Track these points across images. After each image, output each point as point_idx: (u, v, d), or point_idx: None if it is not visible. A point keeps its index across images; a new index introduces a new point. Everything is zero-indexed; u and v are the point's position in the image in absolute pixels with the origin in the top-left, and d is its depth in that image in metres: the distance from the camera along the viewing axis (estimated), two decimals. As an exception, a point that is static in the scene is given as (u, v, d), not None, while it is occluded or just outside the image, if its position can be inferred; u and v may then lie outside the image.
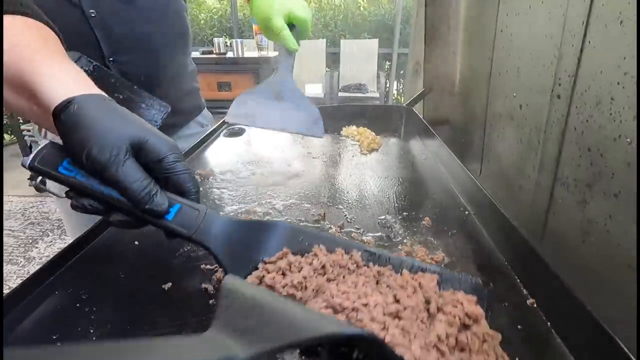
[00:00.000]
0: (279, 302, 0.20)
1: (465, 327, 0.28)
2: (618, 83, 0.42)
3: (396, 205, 0.56)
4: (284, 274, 0.31)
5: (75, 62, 0.38)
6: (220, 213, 0.49)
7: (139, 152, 0.30)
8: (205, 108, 0.86)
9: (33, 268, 1.67)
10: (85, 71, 0.38)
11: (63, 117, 0.29)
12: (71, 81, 0.31)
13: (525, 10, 0.63)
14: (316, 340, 0.17)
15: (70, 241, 0.44)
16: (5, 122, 3.30)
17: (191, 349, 0.17)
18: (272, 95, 0.61)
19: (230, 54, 2.53)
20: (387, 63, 4.17)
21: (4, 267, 1.67)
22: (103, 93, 0.32)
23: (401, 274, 0.32)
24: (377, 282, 0.31)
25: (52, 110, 0.29)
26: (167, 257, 0.43)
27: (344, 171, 0.69)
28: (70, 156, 0.30)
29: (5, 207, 2.24)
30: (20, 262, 1.72)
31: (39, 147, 0.30)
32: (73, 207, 0.30)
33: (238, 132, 0.89)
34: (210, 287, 0.38)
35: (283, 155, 0.77)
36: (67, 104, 0.29)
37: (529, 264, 0.40)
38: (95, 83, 0.32)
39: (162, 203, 0.29)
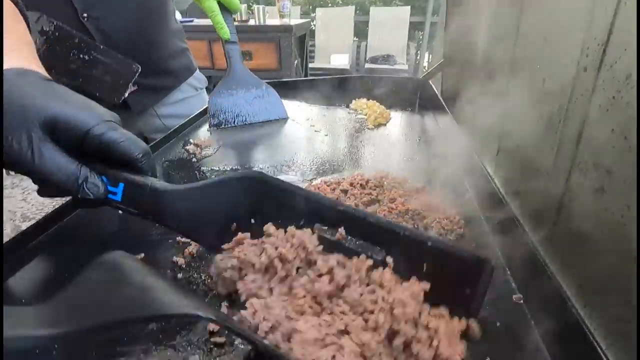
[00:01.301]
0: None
1: None
2: (652, 52, 0.36)
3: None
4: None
5: (35, 22, 0.36)
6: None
7: (58, 132, 0.25)
8: (198, 70, 0.83)
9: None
10: (45, 32, 0.37)
11: None
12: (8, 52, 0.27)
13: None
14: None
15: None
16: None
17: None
18: (235, 89, 0.72)
19: (252, 22, 2.47)
20: (420, 33, 3.94)
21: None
22: (22, 67, 0.26)
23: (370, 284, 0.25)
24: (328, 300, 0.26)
25: None
26: (147, 228, 0.43)
27: (345, 145, 0.66)
28: None
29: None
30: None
31: None
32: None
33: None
34: (180, 261, 0.37)
35: (285, 128, 0.75)
36: None
37: (522, 257, 0.36)
38: (57, 44, 0.30)
39: (95, 188, 0.26)
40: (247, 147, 0.67)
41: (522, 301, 0.33)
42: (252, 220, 0.27)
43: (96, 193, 0.26)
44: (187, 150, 0.63)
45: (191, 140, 0.66)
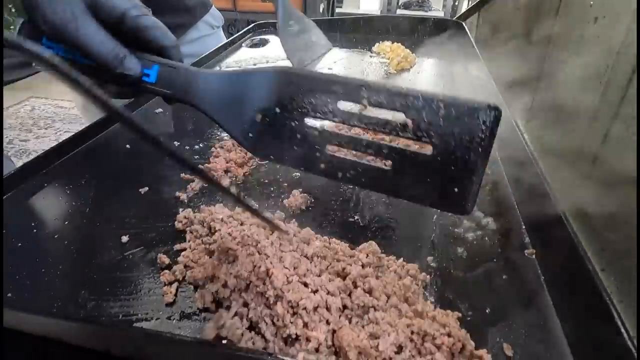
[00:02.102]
0: None
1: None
2: None
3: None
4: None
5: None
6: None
7: (97, 12, 0.26)
8: (213, 6, 0.79)
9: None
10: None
11: None
12: None
13: None
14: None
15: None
16: None
17: None
18: (295, 29, 0.67)
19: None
20: (460, -26, 3.55)
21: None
22: None
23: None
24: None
25: None
26: (153, 163, 0.42)
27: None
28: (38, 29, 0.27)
29: (72, 112, 2.45)
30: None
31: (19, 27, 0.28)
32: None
33: (260, 43, 0.83)
34: (183, 196, 0.37)
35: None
36: None
37: (541, 211, 0.33)
38: None
39: (133, 66, 0.27)
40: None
41: (533, 255, 0.31)
42: (277, 110, 0.26)
43: (133, 71, 0.27)
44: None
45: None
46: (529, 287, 0.28)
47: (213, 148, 0.44)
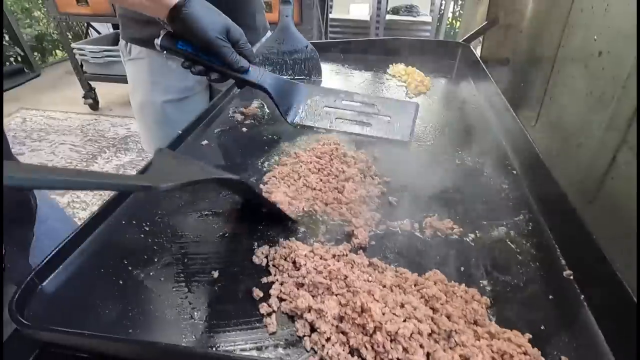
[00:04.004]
0: (194, 164, 0.37)
1: None
2: None
3: (439, 158, 0.55)
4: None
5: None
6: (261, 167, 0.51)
7: (227, 34, 0.48)
8: (269, 30, 0.87)
9: (95, 181, 1.86)
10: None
11: (184, 10, 0.44)
12: None
13: None
14: (207, 180, 0.33)
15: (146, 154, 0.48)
16: (55, 37, 3.39)
17: (128, 179, 0.31)
18: (279, 45, 0.76)
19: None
20: (446, -20, 3.65)
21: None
22: None
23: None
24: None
25: (174, 4, 0.45)
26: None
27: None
28: (183, 37, 0.48)
29: (65, 123, 2.42)
30: (84, 175, 1.91)
31: (161, 36, 0.49)
32: (191, 71, 0.51)
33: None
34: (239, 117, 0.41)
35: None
36: (185, 1, 0.45)
37: (571, 233, 0.38)
38: None
39: (244, 64, 0.50)
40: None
41: (572, 277, 0.36)
42: (308, 101, 0.63)
43: (244, 67, 0.51)
44: (235, 118, 0.65)
45: (238, 108, 0.68)
46: (572, 305, 0.34)
47: (267, 179, 0.48)
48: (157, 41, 0.50)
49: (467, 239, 0.40)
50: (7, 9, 2.62)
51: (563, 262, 0.38)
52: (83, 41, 2.42)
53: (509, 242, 0.40)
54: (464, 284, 0.34)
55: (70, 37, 2.59)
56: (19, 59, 2.85)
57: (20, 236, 0.42)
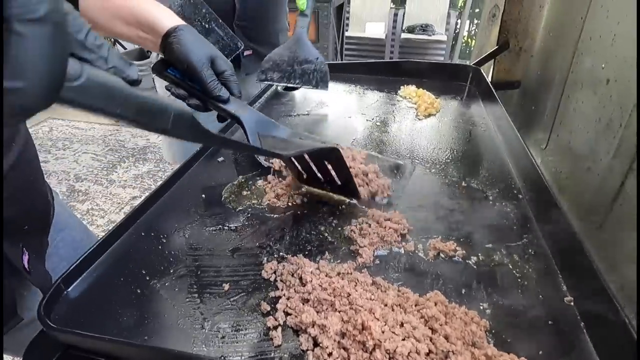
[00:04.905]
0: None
1: None
2: None
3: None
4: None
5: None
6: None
7: (212, 64, 0.47)
8: None
9: (114, 189, 1.92)
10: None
11: (173, 36, 0.46)
12: (172, 15, 0.48)
13: (638, -35, 0.53)
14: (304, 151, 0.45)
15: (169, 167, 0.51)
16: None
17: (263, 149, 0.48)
18: (291, 53, 0.76)
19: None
20: (462, 0, 3.70)
21: (91, 187, 1.95)
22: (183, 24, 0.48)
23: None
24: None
25: (165, 33, 0.46)
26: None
27: (395, 137, 0.69)
28: (172, 64, 0.48)
29: (89, 133, 2.53)
30: (104, 183, 1.99)
31: (157, 61, 0.49)
32: (171, 93, 0.49)
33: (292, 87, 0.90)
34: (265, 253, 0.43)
35: (335, 114, 0.78)
36: (174, 29, 0.46)
37: (574, 260, 0.39)
38: (188, 9, 0.57)
39: (224, 94, 0.47)
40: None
41: (572, 303, 0.37)
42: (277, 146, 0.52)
43: (224, 96, 0.48)
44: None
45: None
46: (571, 331, 0.34)
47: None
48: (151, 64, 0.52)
49: (470, 262, 0.42)
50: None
51: (564, 288, 0.39)
52: (109, 56, 2.53)
53: (510, 266, 0.41)
54: (464, 306, 0.35)
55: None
56: (50, 71, 3.00)
57: (36, 245, 0.45)
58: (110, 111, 0.24)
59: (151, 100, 0.27)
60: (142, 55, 2.63)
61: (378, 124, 0.73)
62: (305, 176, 0.51)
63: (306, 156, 0.46)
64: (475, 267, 0.41)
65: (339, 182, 0.49)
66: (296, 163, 0.49)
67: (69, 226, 0.55)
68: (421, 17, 3.42)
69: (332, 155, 0.45)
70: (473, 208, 0.50)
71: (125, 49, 2.96)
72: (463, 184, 0.55)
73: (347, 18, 3.45)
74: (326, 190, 0.51)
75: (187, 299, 0.37)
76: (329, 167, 0.47)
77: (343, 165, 0.46)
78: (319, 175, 0.49)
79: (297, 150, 0.45)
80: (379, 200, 0.52)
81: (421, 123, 0.74)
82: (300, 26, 0.76)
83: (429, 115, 0.77)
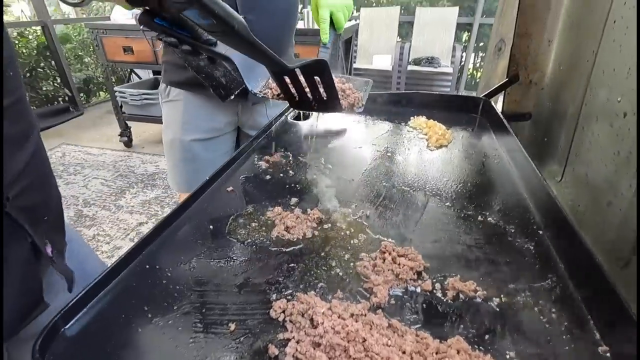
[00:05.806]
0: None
1: None
2: None
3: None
4: None
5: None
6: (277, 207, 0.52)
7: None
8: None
9: (122, 215, 1.92)
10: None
11: None
12: None
13: (650, 1, 0.53)
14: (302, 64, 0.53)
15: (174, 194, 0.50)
16: (100, 80, 3.70)
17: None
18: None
19: (301, 24, 2.51)
20: (466, 34, 3.81)
21: (99, 212, 1.95)
22: None
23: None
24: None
25: None
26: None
27: (406, 168, 0.67)
28: (158, 15, 0.47)
29: (100, 158, 2.57)
30: (112, 208, 1.99)
31: (140, 13, 0.47)
32: (162, 41, 0.50)
33: (304, 115, 0.91)
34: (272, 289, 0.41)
35: (344, 146, 0.77)
36: None
37: (605, 303, 0.36)
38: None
39: (212, 38, 0.50)
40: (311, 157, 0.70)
41: (608, 354, 0.33)
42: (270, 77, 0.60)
43: (211, 40, 0.51)
44: (259, 165, 0.67)
45: (262, 157, 0.70)
46: (610, 386, 0.31)
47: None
48: (136, 16, 0.51)
49: (492, 304, 0.39)
50: (61, 55, 2.91)
51: (597, 336, 0.35)
52: (125, 85, 2.62)
53: (536, 310, 0.38)
54: (489, 355, 0.32)
55: (113, 80, 2.83)
56: (66, 98, 3.11)
57: (57, 242, 0.45)
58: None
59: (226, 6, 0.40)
60: (156, 84, 2.71)
61: (389, 154, 0.73)
62: (297, 99, 0.59)
63: (299, 74, 0.54)
64: (498, 309, 0.38)
65: (325, 97, 0.57)
66: (290, 86, 0.56)
67: (74, 240, 0.54)
68: (427, 50, 3.51)
69: (320, 66, 0.52)
70: (491, 244, 0.48)
71: (140, 78, 3.07)
72: (479, 218, 0.53)
73: (355, 50, 3.56)
74: (314, 109, 0.60)
75: (191, 340, 0.34)
76: (317, 80, 0.54)
77: (329, 76, 0.54)
78: (309, 95, 0.57)
79: (297, 64, 0.53)
80: (356, 109, 0.65)
81: (432, 154, 0.73)
82: (320, 56, 0.78)
83: (440, 146, 0.76)
